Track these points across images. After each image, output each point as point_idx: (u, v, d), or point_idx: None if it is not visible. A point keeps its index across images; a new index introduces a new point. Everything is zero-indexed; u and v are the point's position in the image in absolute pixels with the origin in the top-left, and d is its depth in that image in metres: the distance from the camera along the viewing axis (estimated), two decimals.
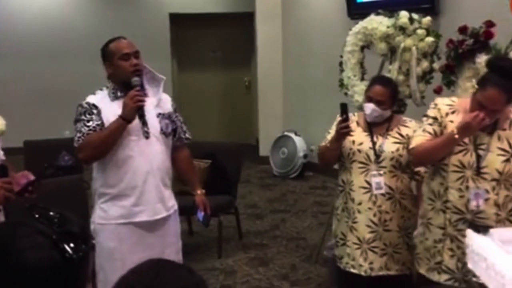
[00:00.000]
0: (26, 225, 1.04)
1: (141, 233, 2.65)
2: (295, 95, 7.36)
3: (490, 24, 3.47)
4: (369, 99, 2.88)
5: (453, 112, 2.53)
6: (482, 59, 3.41)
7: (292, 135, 7.01)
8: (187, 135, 2.89)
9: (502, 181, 2.44)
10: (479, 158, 2.44)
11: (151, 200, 2.65)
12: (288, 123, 7.39)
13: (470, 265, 2.33)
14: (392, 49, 3.77)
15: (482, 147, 2.46)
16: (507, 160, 2.43)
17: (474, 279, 2.38)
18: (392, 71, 3.74)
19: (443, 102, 2.57)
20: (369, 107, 2.86)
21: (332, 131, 2.93)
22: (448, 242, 2.54)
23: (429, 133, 2.52)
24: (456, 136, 2.38)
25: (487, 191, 2.44)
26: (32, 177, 2.29)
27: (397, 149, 2.85)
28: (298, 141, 6.93)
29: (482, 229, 2.36)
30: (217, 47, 8.67)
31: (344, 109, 2.81)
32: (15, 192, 2.16)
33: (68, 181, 3.76)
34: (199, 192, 2.87)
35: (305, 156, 6.82)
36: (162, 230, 2.72)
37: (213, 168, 4.56)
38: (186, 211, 3.08)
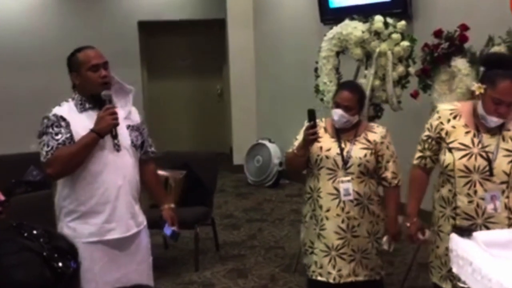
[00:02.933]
0: (12, 242, 1.01)
1: (113, 251, 2.55)
2: (269, 102, 7.30)
3: (464, 27, 3.47)
4: (337, 105, 2.87)
5: (455, 117, 2.51)
6: (457, 62, 3.42)
7: (267, 142, 6.95)
8: (152, 149, 2.81)
9: (511, 183, 2.40)
10: (489, 161, 2.40)
11: (123, 216, 2.55)
12: (262, 131, 7.33)
13: (455, 270, 2.29)
14: (368, 54, 3.75)
15: (487, 149, 2.42)
16: None
17: (459, 284, 2.33)
18: (368, 76, 3.71)
19: (444, 108, 2.57)
20: (337, 113, 2.84)
21: (300, 137, 2.92)
22: None
23: (426, 157, 2.61)
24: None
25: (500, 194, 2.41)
26: (2, 197, 2.17)
27: (365, 155, 2.84)
28: (273, 148, 6.86)
29: (466, 232, 2.33)
30: (188, 55, 8.56)
31: (311, 115, 2.80)
32: None
33: (37, 198, 3.62)
34: (166, 206, 2.78)
35: (280, 163, 6.76)
36: (133, 246, 2.63)
37: (188, 178, 4.46)
38: (159, 224, 2.97)
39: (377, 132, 2.91)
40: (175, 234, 2.76)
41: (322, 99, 3.92)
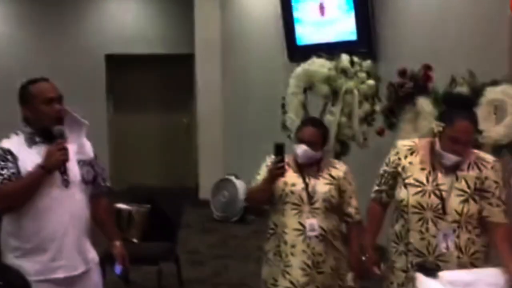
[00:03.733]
0: None
1: None
2: (236, 138, 7.30)
3: (428, 67, 3.56)
4: (300, 140, 2.86)
5: (412, 153, 2.55)
6: (422, 101, 3.48)
7: (233, 178, 6.91)
8: (107, 183, 2.72)
9: (463, 223, 2.43)
10: (443, 200, 2.43)
11: (70, 254, 2.45)
12: (228, 166, 7.29)
13: None
14: (334, 91, 3.80)
15: (441, 187, 2.45)
16: (466, 201, 2.43)
17: None
18: (334, 113, 3.75)
19: (403, 144, 2.62)
20: (301, 148, 2.83)
21: (262, 172, 2.91)
22: (410, 286, 2.48)
23: (383, 191, 2.63)
24: None
25: (452, 234, 2.43)
26: None
27: (329, 190, 2.85)
28: (239, 184, 6.82)
29: (432, 272, 2.33)
30: (155, 89, 8.53)
31: (279, 150, 2.79)
32: None
33: None
34: (118, 243, 2.68)
35: (246, 199, 6.71)
36: (82, 285, 2.51)
37: (152, 213, 4.38)
38: (123, 259, 2.88)
39: (339, 168, 2.93)
40: (125, 272, 2.69)
41: (289, 136, 3.93)
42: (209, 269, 5.08)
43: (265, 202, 2.93)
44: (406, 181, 2.51)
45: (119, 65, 8.17)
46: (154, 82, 8.48)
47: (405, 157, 2.54)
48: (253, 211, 2.74)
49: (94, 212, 2.61)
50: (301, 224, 2.80)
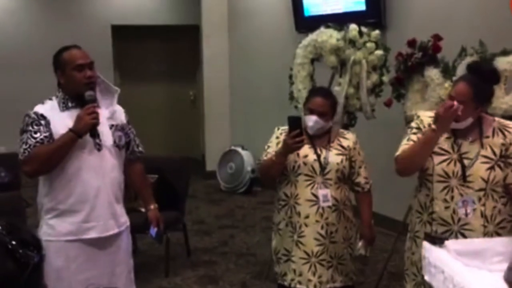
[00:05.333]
0: None
1: (91, 250, 2.53)
2: (242, 109, 7.30)
3: (437, 38, 3.52)
4: (310, 111, 2.84)
5: (435, 123, 2.51)
6: (430, 72, 3.46)
7: (240, 149, 6.93)
8: (140, 149, 2.80)
9: (488, 191, 2.42)
10: (464, 167, 2.43)
11: (102, 216, 2.53)
12: (235, 138, 7.31)
13: (426, 278, 2.30)
14: (342, 62, 3.77)
15: (466, 155, 2.44)
16: (492, 168, 2.41)
17: None
18: (342, 84, 3.73)
19: (425, 114, 2.59)
20: (312, 119, 2.81)
21: (273, 145, 2.89)
22: None
23: (413, 141, 2.50)
24: (434, 127, 2.38)
25: (473, 202, 2.42)
26: None
27: (341, 161, 2.85)
28: (246, 155, 6.85)
29: (438, 240, 2.34)
30: (161, 60, 8.51)
31: (296, 123, 2.72)
32: None
33: (5, 199, 3.53)
34: (152, 207, 2.78)
35: (252, 171, 6.75)
36: (113, 247, 2.60)
37: (160, 183, 4.41)
38: (132, 229, 2.93)
39: (349, 138, 2.92)
40: (160, 235, 2.78)
41: (296, 106, 3.92)
42: (216, 238, 5.14)
43: (279, 174, 2.89)
44: None
45: (126, 36, 8.13)
46: (161, 53, 8.46)
47: (429, 125, 2.49)
48: (266, 183, 2.70)
49: (129, 177, 2.70)
50: (314, 195, 2.81)
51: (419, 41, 3.55)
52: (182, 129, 8.61)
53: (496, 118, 2.53)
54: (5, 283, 0.95)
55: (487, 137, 2.45)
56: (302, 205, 2.82)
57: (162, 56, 8.48)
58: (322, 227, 2.82)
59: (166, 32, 8.23)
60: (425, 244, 2.34)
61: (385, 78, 3.71)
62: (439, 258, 2.23)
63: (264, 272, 4.23)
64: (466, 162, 2.43)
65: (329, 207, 2.82)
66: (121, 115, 2.68)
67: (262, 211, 6.01)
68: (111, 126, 2.58)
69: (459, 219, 2.44)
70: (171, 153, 7.95)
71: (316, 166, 2.82)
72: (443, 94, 3.28)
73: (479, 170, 2.41)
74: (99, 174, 2.50)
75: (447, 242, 2.29)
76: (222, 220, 5.74)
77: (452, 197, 2.44)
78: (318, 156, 2.83)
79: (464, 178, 2.42)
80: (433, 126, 2.40)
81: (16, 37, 7.49)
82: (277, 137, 2.92)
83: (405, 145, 2.52)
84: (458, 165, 2.43)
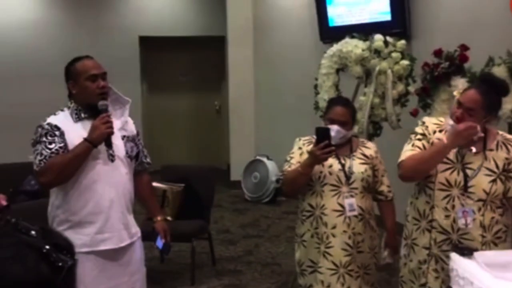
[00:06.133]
0: (10, 236, 1.00)
1: (105, 262, 2.51)
2: (267, 119, 7.33)
3: (464, 47, 3.51)
4: (331, 121, 2.83)
5: (440, 131, 2.52)
6: (457, 82, 3.45)
7: (264, 159, 6.95)
8: (148, 160, 2.79)
9: (488, 202, 2.43)
10: (466, 177, 2.43)
11: (116, 227, 2.52)
12: (260, 147, 7.33)
13: None
14: (367, 72, 3.78)
15: (470, 166, 2.45)
16: (494, 181, 2.43)
17: None
18: (367, 94, 3.74)
19: (430, 121, 2.59)
20: (334, 129, 2.80)
21: (295, 156, 2.88)
22: (432, 263, 2.50)
23: (418, 147, 2.51)
24: (445, 141, 2.38)
25: (473, 212, 2.42)
26: (4, 202, 2.16)
27: (365, 170, 2.84)
28: (271, 165, 6.86)
29: (467, 251, 2.33)
30: (187, 71, 8.60)
31: (326, 134, 2.71)
32: None
33: (34, 206, 3.61)
34: (159, 218, 2.76)
35: (277, 180, 6.75)
36: (126, 258, 2.59)
37: (186, 192, 4.45)
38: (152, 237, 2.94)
39: (370, 147, 2.93)
40: (167, 247, 2.74)
41: (321, 116, 3.93)
42: (241, 248, 5.15)
43: (304, 185, 2.87)
44: None
45: (153, 47, 8.26)
46: (187, 64, 8.55)
47: (434, 132, 2.51)
48: (291, 193, 2.71)
49: (137, 188, 2.68)
50: (340, 204, 2.80)
51: (446, 51, 3.54)
52: (207, 139, 8.67)
53: (500, 132, 2.53)
54: (40, 286, 0.96)
55: (491, 150, 2.45)
56: (329, 215, 2.80)
57: (188, 67, 8.58)
58: (349, 237, 2.80)
59: (192, 43, 8.33)
60: (454, 255, 2.33)
61: (411, 88, 3.70)
62: (468, 270, 2.21)
63: (289, 282, 4.23)
64: (469, 172, 2.43)
65: (355, 216, 2.81)
66: (132, 126, 2.68)
67: (287, 221, 6.01)
68: (123, 137, 2.59)
69: (458, 229, 2.44)
70: (196, 163, 8.01)
71: (341, 175, 2.81)
72: None
73: (482, 182, 2.41)
74: (112, 185, 2.50)
75: (476, 254, 2.27)
76: (247, 229, 5.76)
77: (453, 206, 2.44)
78: (343, 165, 2.83)
79: (465, 188, 2.42)
80: (445, 141, 2.39)
81: (45, 49, 7.65)
82: (300, 148, 2.91)
83: (410, 151, 2.51)
84: (461, 174, 2.43)
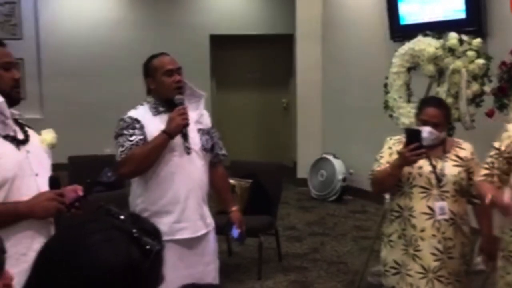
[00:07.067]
0: (102, 220, 1.06)
1: (182, 250, 2.61)
2: (334, 117, 7.30)
3: None
4: (423, 122, 2.75)
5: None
6: None
7: (331, 157, 6.93)
8: (223, 152, 2.88)
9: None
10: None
11: (192, 217, 2.63)
12: (326, 146, 7.32)
13: None
14: (440, 71, 3.70)
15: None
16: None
17: None
18: (440, 93, 3.66)
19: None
20: (426, 130, 2.72)
21: (385, 155, 2.83)
22: None
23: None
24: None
25: None
26: (81, 193, 2.28)
27: (459, 172, 2.73)
28: (337, 164, 6.84)
29: None
30: (256, 68, 8.71)
31: (416, 136, 2.66)
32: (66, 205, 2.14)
33: (111, 197, 3.79)
34: (234, 209, 2.85)
35: (344, 179, 6.73)
36: (201, 247, 2.69)
37: (254, 188, 4.53)
38: (227, 227, 3.03)
39: (466, 149, 2.80)
40: (242, 236, 2.82)
41: (391, 115, 3.90)
42: (307, 245, 5.18)
43: (394, 186, 2.81)
44: None
45: (223, 45, 8.41)
46: (255, 62, 8.66)
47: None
48: (380, 193, 2.70)
49: (212, 179, 2.78)
50: (429, 208, 2.71)
51: None
52: (275, 136, 8.75)
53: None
54: (130, 269, 1.01)
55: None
56: (418, 218, 2.72)
57: (256, 64, 8.68)
58: (439, 242, 2.70)
59: (261, 41, 8.42)
60: None
61: (487, 88, 3.60)
62: None
63: (355, 281, 4.22)
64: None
65: (445, 220, 2.70)
66: (207, 119, 2.77)
67: (353, 220, 5.98)
68: (199, 130, 2.68)
69: None
70: (263, 159, 8.09)
71: (432, 178, 2.72)
72: None
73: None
74: (189, 177, 2.60)
75: None
76: (313, 227, 5.77)
77: None
78: (434, 167, 2.73)
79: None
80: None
81: (120, 46, 7.99)
82: (390, 148, 2.85)
83: (486, 170, 2.54)
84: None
